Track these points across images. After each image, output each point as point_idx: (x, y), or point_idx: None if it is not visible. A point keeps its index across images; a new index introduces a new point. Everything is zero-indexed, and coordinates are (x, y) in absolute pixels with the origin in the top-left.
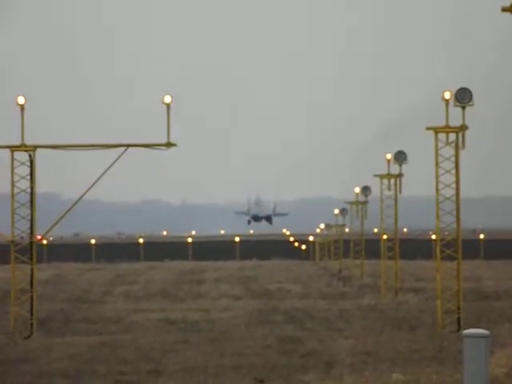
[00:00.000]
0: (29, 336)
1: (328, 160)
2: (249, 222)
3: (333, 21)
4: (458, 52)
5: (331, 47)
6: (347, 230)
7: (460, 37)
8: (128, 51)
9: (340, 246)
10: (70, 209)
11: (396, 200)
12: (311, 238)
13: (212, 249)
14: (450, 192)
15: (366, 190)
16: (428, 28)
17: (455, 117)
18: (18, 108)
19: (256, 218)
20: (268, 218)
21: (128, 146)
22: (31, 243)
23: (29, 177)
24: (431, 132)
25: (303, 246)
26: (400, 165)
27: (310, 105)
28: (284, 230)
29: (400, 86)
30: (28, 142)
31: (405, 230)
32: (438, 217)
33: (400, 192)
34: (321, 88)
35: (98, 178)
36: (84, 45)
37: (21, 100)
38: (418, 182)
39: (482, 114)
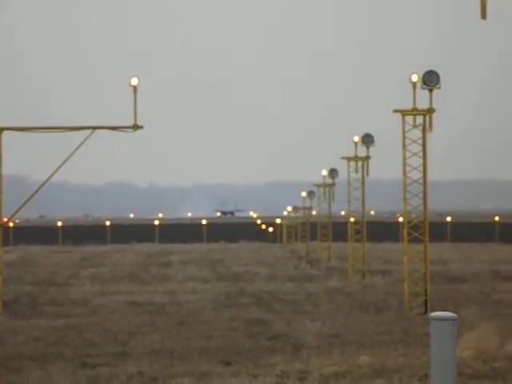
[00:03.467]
0: None
1: (296, 142)
2: (219, 215)
3: None
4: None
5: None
6: (314, 212)
7: (426, 17)
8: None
9: (307, 229)
10: (37, 191)
11: (363, 183)
12: (278, 221)
13: (179, 232)
14: (417, 175)
15: (333, 172)
16: (404, 11)
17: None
18: None
19: (224, 213)
20: (232, 213)
21: (95, 128)
22: None
23: None
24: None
25: (270, 229)
26: (367, 147)
27: (285, 80)
28: (251, 213)
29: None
30: None
31: (372, 212)
32: (405, 199)
33: (367, 175)
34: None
35: (65, 161)
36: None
37: None
38: (386, 165)
39: (450, 96)
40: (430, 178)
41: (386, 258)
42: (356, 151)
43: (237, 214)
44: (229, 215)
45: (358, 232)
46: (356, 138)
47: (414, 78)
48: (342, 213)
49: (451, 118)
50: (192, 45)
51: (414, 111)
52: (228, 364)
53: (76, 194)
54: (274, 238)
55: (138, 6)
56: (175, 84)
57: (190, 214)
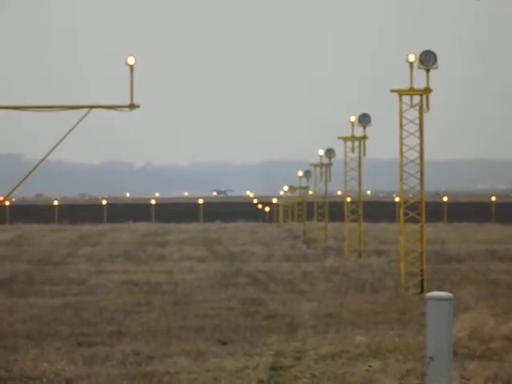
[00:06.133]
0: None
1: (293, 123)
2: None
3: None
4: (424, 16)
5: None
6: (311, 192)
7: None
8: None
9: (304, 209)
10: (33, 169)
11: (360, 162)
12: (275, 201)
13: (175, 211)
14: (414, 155)
15: (329, 152)
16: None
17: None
18: None
19: (219, 192)
20: (224, 192)
21: (91, 107)
22: None
23: None
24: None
25: (267, 209)
26: (364, 127)
27: (283, 58)
28: (248, 193)
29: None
30: None
31: (368, 192)
32: (401, 179)
33: (364, 154)
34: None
35: (62, 139)
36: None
37: None
38: (383, 145)
39: (447, 76)
40: (427, 157)
41: (383, 238)
42: (353, 131)
43: (229, 194)
44: (222, 194)
45: (354, 212)
46: (353, 118)
47: (411, 57)
48: (339, 193)
49: (448, 98)
50: (191, 22)
51: (411, 91)
52: (224, 343)
53: (72, 173)
54: (271, 218)
55: None
56: (172, 61)
57: (186, 194)
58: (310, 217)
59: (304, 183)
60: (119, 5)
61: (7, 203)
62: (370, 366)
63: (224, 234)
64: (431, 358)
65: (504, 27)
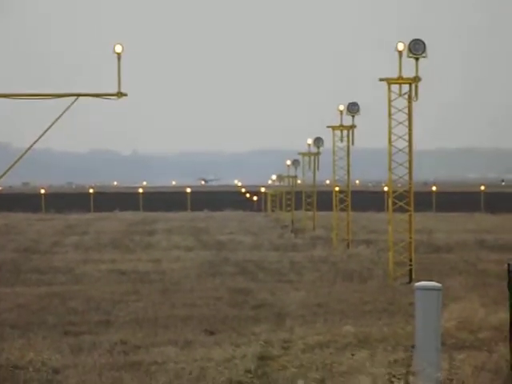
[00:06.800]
0: None
1: (282, 111)
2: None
3: None
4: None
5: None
6: (299, 181)
7: None
8: None
9: (292, 198)
10: (20, 157)
11: (348, 152)
12: (263, 190)
13: (163, 200)
14: (402, 144)
15: (318, 141)
16: None
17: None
18: None
19: (206, 181)
20: (211, 180)
21: (78, 95)
22: None
23: None
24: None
25: (255, 198)
26: (353, 116)
27: (270, 47)
28: (236, 181)
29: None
30: None
31: (357, 181)
32: (390, 169)
33: (352, 144)
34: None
35: (49, 127)
36: None
37: None
38: (371, 134)
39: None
40: (416, 147)
41: (371, 228)
42: (341, 120)
43: (215, 183)
44: (209, 183)
45: (342, 201)
46: (341, 107)
47: (400, 46)
48: (327, 182)
49: (437, 87)
50: (181, 8)
51: (400, 80)
52: (212, 333)
53: (59, 162)
54: (259, 207)
55: None
56: (161, 50)
57: (174, 182)
58: (298, 206)
59: (292, 172)
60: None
61: None
62: (352, 355)
63: (212, 223)
64: (413, 346)
65: (497, 15)
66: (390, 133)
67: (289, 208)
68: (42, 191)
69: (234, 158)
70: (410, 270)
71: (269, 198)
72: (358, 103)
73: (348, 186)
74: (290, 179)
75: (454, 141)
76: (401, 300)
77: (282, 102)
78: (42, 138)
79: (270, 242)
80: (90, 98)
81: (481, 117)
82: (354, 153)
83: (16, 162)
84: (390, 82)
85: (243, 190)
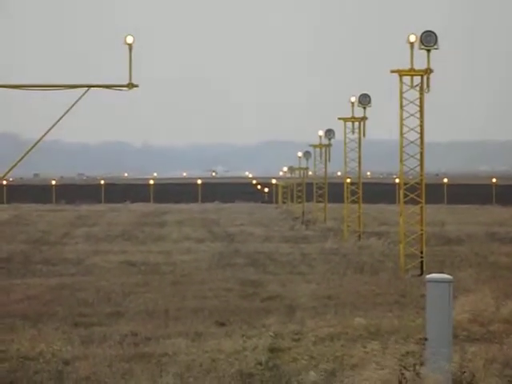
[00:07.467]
0: None
1: (293, 103)
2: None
3: None
4: None
5: None
6: (310, 173)
7: None
8: None
9: (303, 190)
10: (31, 149)
11: (360, 143)
12: (274, 181)
13: (174, 191)
14: (414, 136)
15: (329, 132)
16: None
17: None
18: None
19: (215, 172)
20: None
21: (89, 86)
22: None
23: None
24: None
25: (266, 189)
26: (364, 108)
27: (283, 41)
28: (247, 173)
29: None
30: None
31: (368, 173)
32: (401, 160)
33: (364, 135)
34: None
35: (60, 118)
36: None
37: None
38: (382, 126)
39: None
40: (427, 139)
41: (382, 220)
42: (353, 112)
43: (224, 174)
44: (218, 174)
45: (354, 193)
46: (353, 99)
47: (412, 38)
48: (338, 174)
49: (449, 79)
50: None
51: (412, 71)
52: (222, 325)
53: (69, 153)
54: (270, 199)
55: None
56: (172, 45)
57: (184, 174)
58: (309, 198)
59: (303, 164)
60: None
61: (4, 183)
62: (364, 347)
63: (223, 215)
64: (426, 338)
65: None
66: (401, 125)
67: (300, 200)
68: (53, 182)
69: (245, 149)
70: (421, 263)
71: (280, 190)
72: (370, 95)
73: (359, 178)
74: (302, 171)
75: (466, 133)
76: (412, 292)
77: (294, 93)
78: (53, 128)
79: (281, 234)
80: (102, 89)
81: (492, 110)
82: (365, 144)
83: (27, 153)
84: (401, 73)
85: (254, 182)
